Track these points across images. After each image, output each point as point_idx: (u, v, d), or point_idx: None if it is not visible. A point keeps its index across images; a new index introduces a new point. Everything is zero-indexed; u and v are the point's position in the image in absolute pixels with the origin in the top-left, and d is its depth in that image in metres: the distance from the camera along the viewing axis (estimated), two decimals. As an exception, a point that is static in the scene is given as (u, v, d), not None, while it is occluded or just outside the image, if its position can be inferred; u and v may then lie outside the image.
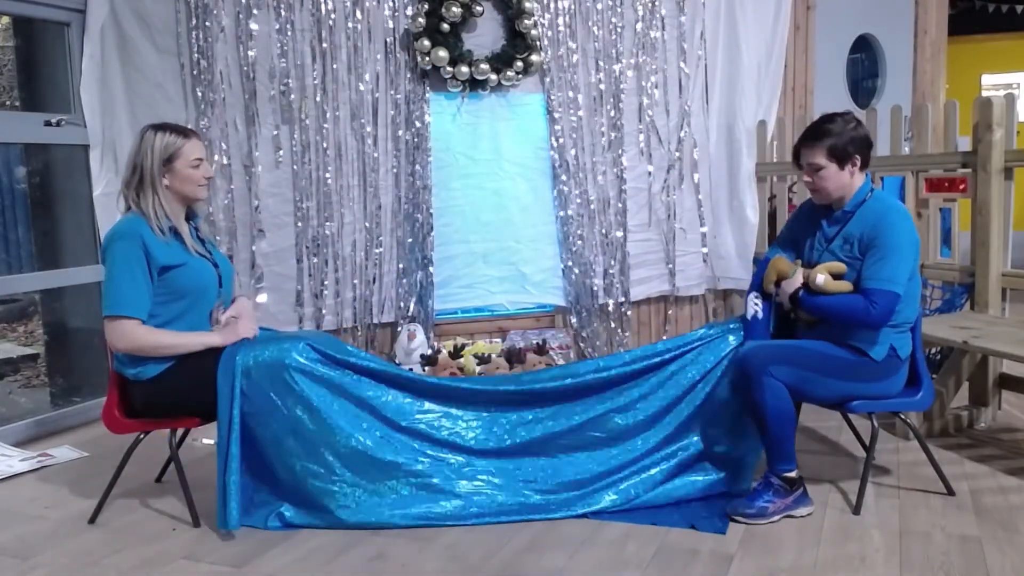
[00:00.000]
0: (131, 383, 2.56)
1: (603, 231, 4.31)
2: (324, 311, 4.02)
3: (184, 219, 2.64)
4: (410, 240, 4.10)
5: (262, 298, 2.64)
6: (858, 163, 2.54)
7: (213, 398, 2.46)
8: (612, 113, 4.26)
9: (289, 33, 3.84)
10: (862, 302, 2.43)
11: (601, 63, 4.22)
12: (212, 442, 3.09)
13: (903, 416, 2.77)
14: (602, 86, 4.23)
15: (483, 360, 3.84)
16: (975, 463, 2.91)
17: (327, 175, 3.96)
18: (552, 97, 4.16)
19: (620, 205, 4.32)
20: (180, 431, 2.74)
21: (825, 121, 2.56)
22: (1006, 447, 3.07)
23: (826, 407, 2.68)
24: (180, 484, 2.61)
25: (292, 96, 3.87)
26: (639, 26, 4.26)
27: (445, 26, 3.87)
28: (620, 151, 4.29)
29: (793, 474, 2.51)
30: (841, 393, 2.53)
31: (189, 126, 3.72)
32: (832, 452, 3.08)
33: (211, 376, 2.47)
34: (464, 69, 3.92)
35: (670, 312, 4.51)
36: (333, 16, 3.88)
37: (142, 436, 2.65)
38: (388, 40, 3.97)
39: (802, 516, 2.51)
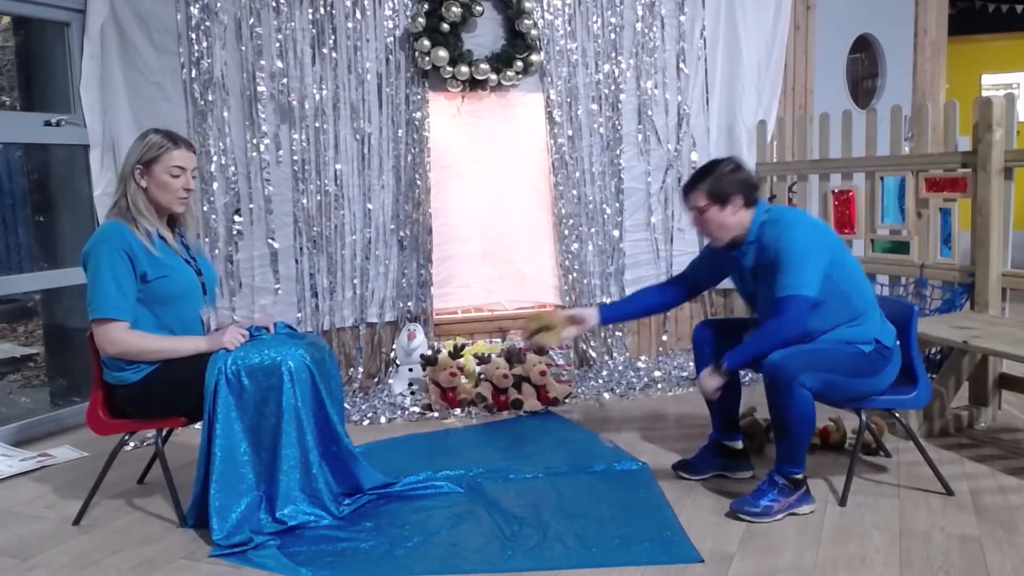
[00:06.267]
0: (115, 385, 2.57)
1: (601, 231, 4.31)
2: (324, 311, 4.02)
3: (167, 226, 2.64)
4: (409, 239, 4.10)
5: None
6: (739, 203, 2.57)
7: (197, 399, 2.47)
8: (611, 113, 4.26)
9: (289, 33, 3.85)
10: (771, 321, 2.47)
11: (601, 63, 4.22)
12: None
13: (898, 415, 2.77)
14: (601, 86, 4.23)
15: (483, 360, 3.84)
16: (975, 463, 2.91)
17: (326, 175, 3.96)
18: (551, 97, 4.16)
19: (618, 205, 4.32)
20: (165, 430, 2.76)
21: (704, 167, 2.64)
22: (1006, 447, 3.07)
23: (832, 405, 2.67)
24: (167, 484, 2.61)
25: (292, 96, 3.87)
26: (639, 26, 4.26)
27: (445, 26, 3.87)
28: (619, 151, 4.29)
29: (799, 476, 2.52)
30: (859, 391, 2.55)
31: (188, 128, 3.75)
32: (831, 450, 3.07)
33: (195, 377, 2.47)
34: (464, 69, 3.92)
35: (669, 312, 4.51)
36: (334, 16, 3.88)
37: (127, 437, 2.66)
38: (388, 40, 3.97)
39: (805, 514, 2.52)
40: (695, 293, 2.94)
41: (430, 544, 2.41)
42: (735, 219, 2.57)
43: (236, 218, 3.86)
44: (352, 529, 2.50)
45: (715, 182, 2.56)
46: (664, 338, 4.52)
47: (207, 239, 3.84)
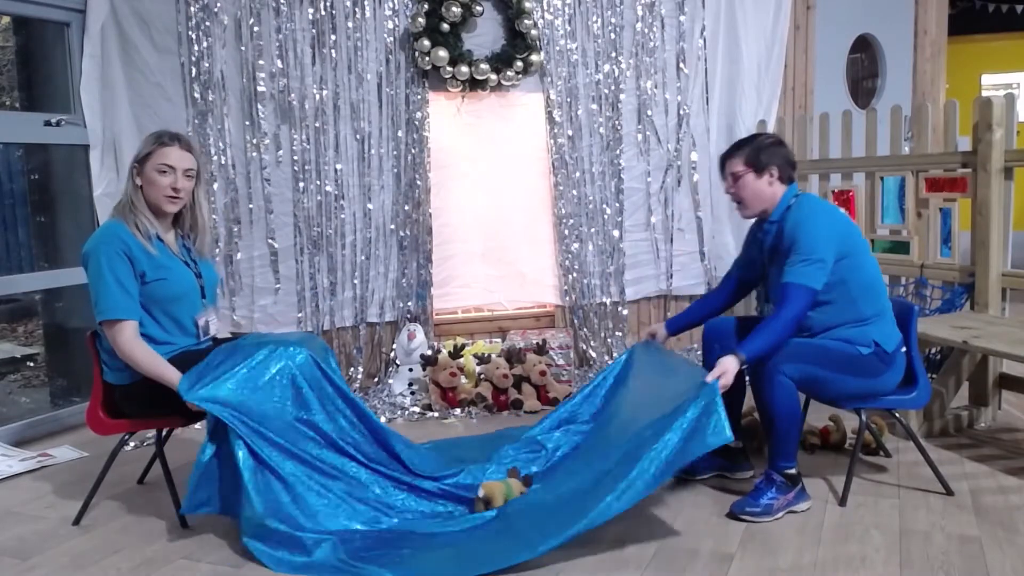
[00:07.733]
0: (115, 385, 2.57)
1: (601, 231, 4.31)
2: (324, 311, 4.02)
3: (169, 227, 2.65)
4: (409, 240, 4.10)
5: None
6: (775, 174, 2.61)
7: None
8: (611, 113, 4.26)
9: (289, 33, 3.85)
10: (776, 314, 2.45)
11: (600, 63, 4.22)
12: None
13: (898, 415, 2.77)
14: (601, 86, 4.23)
15: (483, 360, 3.84)
16: (975, 463, 2.91)
17: (326, 175, 3.96)
18: (551, 97, 4.16)
19: (618, 205, 4.32)
20: (165, 430, 2.76)
21: (746, 137, 2.70)
22: (1006, 447, 3.07)
23: (827, 404, 2.68)
24: (167, 484, 2.60)
25: (292, 96, 3.87)
26: (639, 26, 4.26)
27: (445, 26, 3.87)
28: (619, 151, 4.29)
29: (793, 471, 2.54)
30: (846, 390, 2.55)
31: (188, 128, 3.75)
32: (831, 450, 3.07)
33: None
34: (464, 69, 3.92)
35: (669, 312, 4.51)
36: (334, 16, 3.88)
37: (127, 437, 2.66)
38: (388, 40, 3.97)
39: (802, 511, 2.54)
40: (743, 290, 2.95)
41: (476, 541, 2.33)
42: (770, 190, 2.61)
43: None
44: (406, 530, 2.43)
45: (755, 150, 2.62)
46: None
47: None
